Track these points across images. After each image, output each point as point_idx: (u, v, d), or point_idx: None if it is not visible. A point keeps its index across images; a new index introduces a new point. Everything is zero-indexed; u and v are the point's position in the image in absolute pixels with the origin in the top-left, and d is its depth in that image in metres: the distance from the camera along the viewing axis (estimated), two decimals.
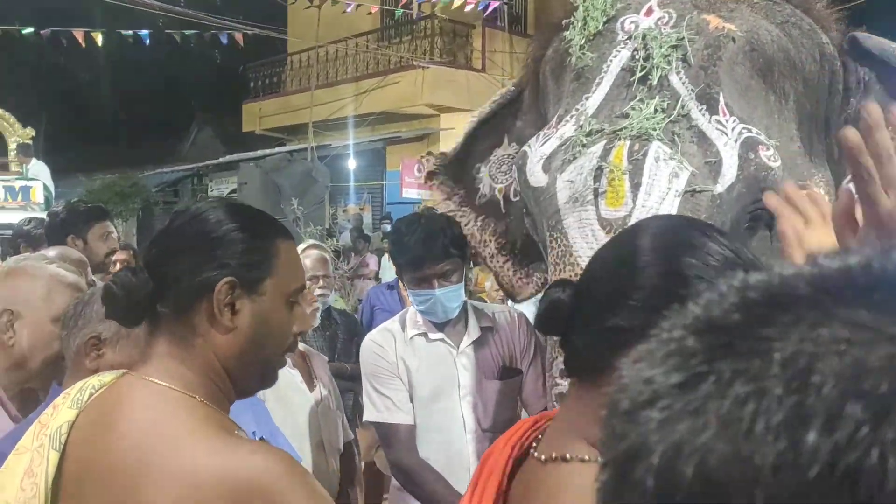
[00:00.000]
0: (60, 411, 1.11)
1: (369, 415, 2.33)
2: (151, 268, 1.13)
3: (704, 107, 1.60)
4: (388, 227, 13.39)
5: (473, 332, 2.33)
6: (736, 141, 1.57)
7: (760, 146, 1.58)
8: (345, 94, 14.39)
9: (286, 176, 12.87)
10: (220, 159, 16.43)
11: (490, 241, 2.32)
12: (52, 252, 2.71)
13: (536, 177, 1.71)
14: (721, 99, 1.61)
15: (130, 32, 11.00)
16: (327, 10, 11.71)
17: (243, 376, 1.16)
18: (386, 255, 10.63)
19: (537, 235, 1.80)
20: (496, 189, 2.28)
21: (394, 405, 2.27)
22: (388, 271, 9.73)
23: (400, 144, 14.38)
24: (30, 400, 1.76)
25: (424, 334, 2.32)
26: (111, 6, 10.83)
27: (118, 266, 3.98)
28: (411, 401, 2.28)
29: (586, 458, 0.93)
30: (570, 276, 1.45)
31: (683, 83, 1.63)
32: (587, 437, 0.93)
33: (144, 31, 11.08)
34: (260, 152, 15.33)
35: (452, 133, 13.76)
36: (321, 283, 3.43)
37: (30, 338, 1.72)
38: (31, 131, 8.64)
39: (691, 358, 0.31)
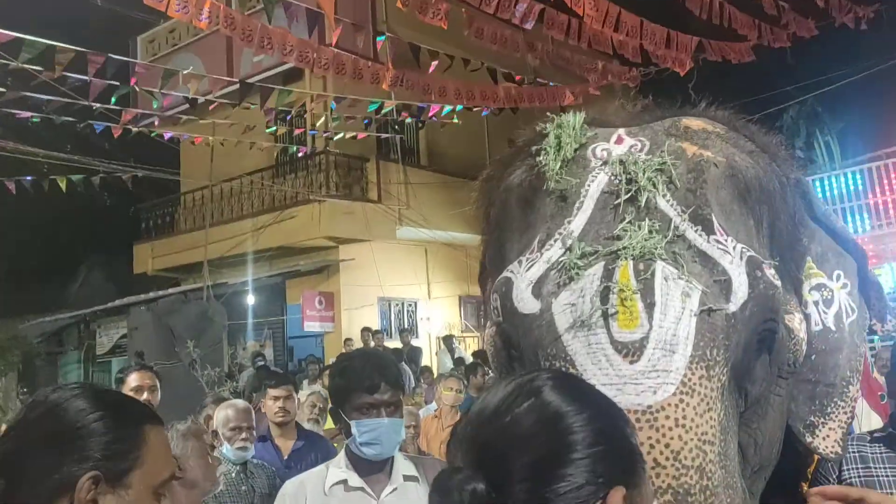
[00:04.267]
0: None
1: None
2: (4, 465, 1.05)
3: (699, 227, 1.58)
4: (293, 366, 13.03)
5: (396, 480, 2.25)
6: (741, 259, 1.54)
7: (764, 264, 1.56)
8: (241, 230, 14.25)
9: (180, 317, 12.42)
10: (109, 304, 15.74)
11: None
12: None
13: (526, 303, 1.60)
14: (714, 219, 1.60)
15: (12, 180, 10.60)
16: (220, 147, 11.76)
17: None
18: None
19: (523, 368, 1.65)
20: None
21: None
22: None
23: (299, 278, 14.23)
24: None
25: (344, 482, 2.23)
26: None
27: None
28: None
29: None
30: None
31: (672, 205, 1.61)
32: None
33: (27, 178, 10.71)
34: (152, 294, 14.80)
35: (352, 263, 13.79)
36: (243, 434, 3.46)
37: None
38: None
39: None
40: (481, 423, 0.96)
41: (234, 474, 3.37)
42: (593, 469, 0.89)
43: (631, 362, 1.42)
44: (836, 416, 1.81)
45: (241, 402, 3.85)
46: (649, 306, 1.47)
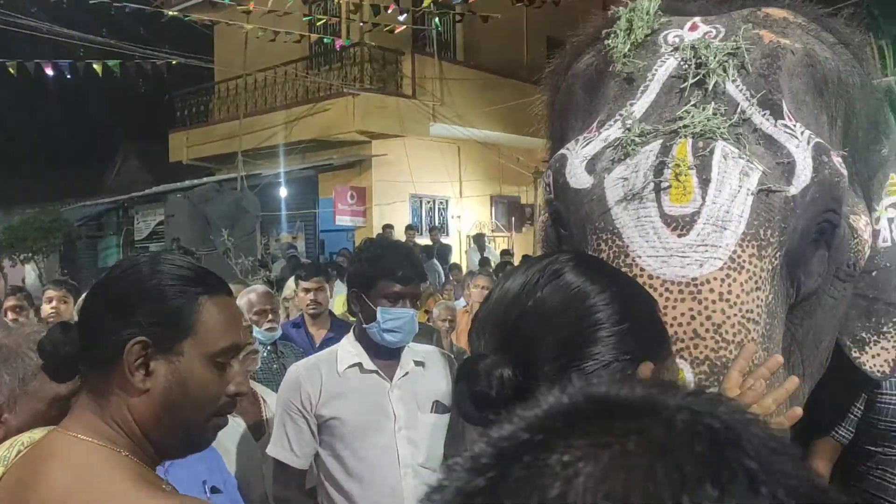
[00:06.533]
0: None
1: (270, 448, 2.31)
2: (81, 324, 1.13)
3: (767, 111, 1.53)
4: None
5: (407, 365, 2.33)
6: (808, 143, 1.49)
7: (832, 152, 1.51)
8: (274, 122, 14.22)
9: (215, 206, 12.61)
10: (147, 191, 16.00)
11: None
12: None
13: (578, 178, 1.57)
14: (784, 105, 1.55)
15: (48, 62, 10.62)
16: (254, 38, 11.59)
17: (162, 439, 1.13)
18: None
19: (571, 246, 1.64)
20: None
21: (291, 446, 2.27)
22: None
23: (332, 172, 14.28)
24: None
25: (359, 365, 2.29)
26: (29, 35, 10.47)
27: (9, 314, 3.79)
28: (341, 437, 2.24)
29: None
30: None
31: (741, 90, 1.56)
32: None
33: (64, 62, 10.72)
34: (188, 182, 15.00)
35: (384, 159, 13.77)
36: (269, 316, 3.52)
37: None
38: None
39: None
40: (504, 307, 0.96)
41: (265, 353, 3.49)
42: (620, 346, 0.90)
43: (679, 235, 1.40)
44: (892, 336, 1.75)
45: (260, 287, 3.91)
46: (704, 182, 1.43)
